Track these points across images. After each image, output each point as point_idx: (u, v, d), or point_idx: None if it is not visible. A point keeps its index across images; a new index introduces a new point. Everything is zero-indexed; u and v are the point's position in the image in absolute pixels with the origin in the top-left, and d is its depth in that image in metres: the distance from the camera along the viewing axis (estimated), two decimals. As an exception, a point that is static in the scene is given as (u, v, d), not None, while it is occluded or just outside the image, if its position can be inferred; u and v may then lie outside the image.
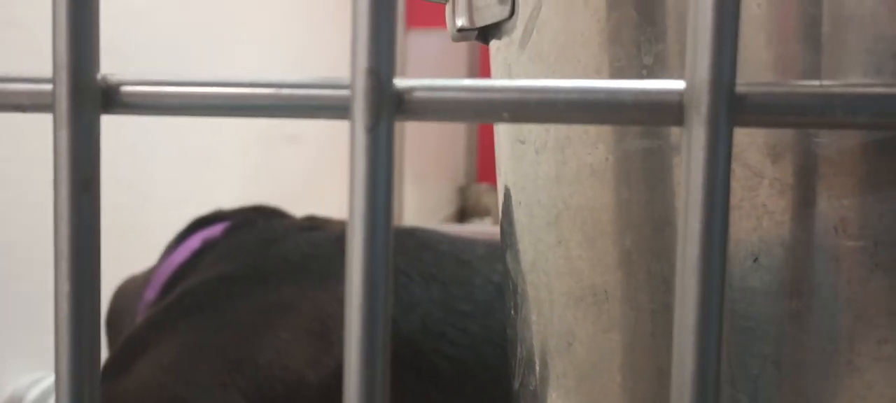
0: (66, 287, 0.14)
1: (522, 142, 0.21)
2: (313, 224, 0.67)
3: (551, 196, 0.20)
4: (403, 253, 0.57)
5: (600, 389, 0.19)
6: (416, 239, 0.59)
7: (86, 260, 0.14)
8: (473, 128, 2.07)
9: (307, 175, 1.21)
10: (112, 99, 0.15)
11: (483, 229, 1.63)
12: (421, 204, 1.72)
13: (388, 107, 0.14)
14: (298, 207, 0.77)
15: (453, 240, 0.61)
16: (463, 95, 0.14)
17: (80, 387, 0.14)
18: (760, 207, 0.16)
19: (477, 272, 0.57)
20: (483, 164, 2.09)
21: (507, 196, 0.24)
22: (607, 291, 0.19)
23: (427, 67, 1.73)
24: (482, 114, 0.14)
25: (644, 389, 0.18)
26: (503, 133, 0.23)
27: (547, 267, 0.21)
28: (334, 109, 0.14)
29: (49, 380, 0.75)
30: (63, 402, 0.13)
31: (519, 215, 0.22)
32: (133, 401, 0.52)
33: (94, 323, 0.14)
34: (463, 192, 2.07)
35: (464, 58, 1.94)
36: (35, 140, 0.77)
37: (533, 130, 0.21)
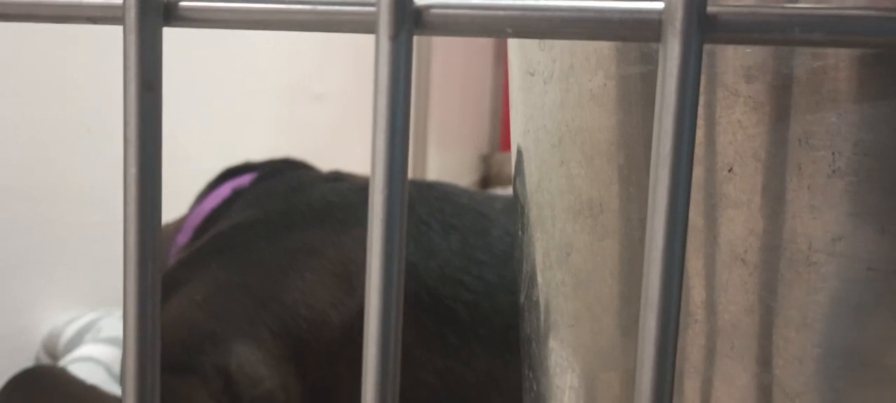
0: (133, 170, 0.16)
1: (532, 74, 0.23)
2: (338, 176, 0.69)
3: (555, 121, 0.22)
4: (425, 204, 0.60)
5: (594, 293, 0.22)
6: (437, 192, 0.62)
7: (150, 147, 0.17)
8: (498, 96, 2.08)
9: (331, 134, 1.23)
10: (172, 13, 0.17)
11: (505, 194, 1.64)
12: (444, 171, 1.74)
13: (408, 22, 0.16)
14: (322, 165, 0.80)
15: (473, 195, 0.64)
16: (473, 12, 0.16)
17: (145, 253, 0.16)
18: (736, 123, 0.18)
19: (495, 224, 0.59)
20: (507, 133, 2.10)
21: (518, 127, 0.26)
22: (603, 204, 0.21)
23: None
24: (489, 29, 0.16)
25: (632, 291, 0.21)
26: (516, 68, 0.25)
27: (550, 187, 0.23)
28: (362, 23, 0.16)
29: (84, 319, 0.79)
30: (131, 265, 0.16)
31: (527, 143, 0.25)
32: (168, 334, 0.55)
33: (156, 199, 0.17)
34: (486, 160, 2.09)
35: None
36: (76, 90, 0.80)
37: (541, 62, 0.23)
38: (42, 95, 0.79)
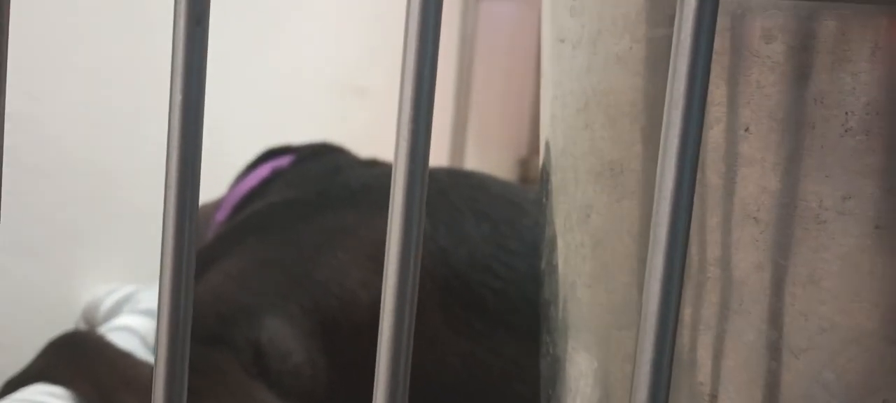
0: (179, 98, 0.18)
1: (562, 41, 0.24)
2: (374, 162, 0.71)
3: (582, 85, 0.23)
4: (458, 192, 0.60)
5: (611, 252, 0.22)
6: (472, 180, 0.63)
7: (195, 78, 0.18)
8: (538, 100, 2.07)
9: (374, 127, 1.25)
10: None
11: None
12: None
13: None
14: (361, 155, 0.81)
15: (507, 185, 0.65)
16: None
17: (187, 168, 0.17)
18: (754, 83, 0.18)
19: (527, 214, 0.59)
20: (546, 140, 2.09)
21: (546, 95, 0.26)
22: (624, 165, 0.22)
23: (499, 35, 1.74)
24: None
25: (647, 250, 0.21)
26: (547, 35, 0.26)
27: (574, 150, 0.24)
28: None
29: (123, 291, 0.81)
30: (172, 178, 0.17)
31: (555, 109, 0.25)
32: (204, 307, 0.56)
33: (198, 123, 0.18)
34: (524, 164, 2.09)
35: (535, 25, 1.94)
36: (127, 76, 0.83)
37: (571, 28, 0.23)
38: (96, 80, 0.82)
